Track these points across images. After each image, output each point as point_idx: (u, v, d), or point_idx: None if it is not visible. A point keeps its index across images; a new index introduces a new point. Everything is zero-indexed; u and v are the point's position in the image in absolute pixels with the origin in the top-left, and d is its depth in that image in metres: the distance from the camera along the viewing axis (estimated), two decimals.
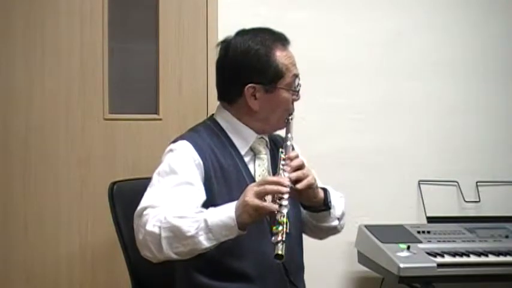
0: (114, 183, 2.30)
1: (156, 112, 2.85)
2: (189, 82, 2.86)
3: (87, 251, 2.76)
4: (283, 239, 1.75)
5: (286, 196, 1.81)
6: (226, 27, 2.79)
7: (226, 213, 1.81)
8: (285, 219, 1.77)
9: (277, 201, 1.80)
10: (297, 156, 1.96)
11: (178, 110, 2.84)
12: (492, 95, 3.18)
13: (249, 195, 1.79)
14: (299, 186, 1.91)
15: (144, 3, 2.87)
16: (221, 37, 2.79)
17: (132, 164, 2.78)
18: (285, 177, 1.89)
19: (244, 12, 2.85)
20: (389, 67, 3.07)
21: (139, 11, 2.87)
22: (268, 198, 1.83)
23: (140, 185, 2.09)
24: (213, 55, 2.80)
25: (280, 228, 1.76)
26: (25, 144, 2.72)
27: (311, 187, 1.96)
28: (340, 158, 2.98)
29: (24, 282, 2.71)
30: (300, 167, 1.94)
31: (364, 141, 3.03)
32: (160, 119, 2.84)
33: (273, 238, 1.76)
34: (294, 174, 1.91)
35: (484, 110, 3.17)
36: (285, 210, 1.79)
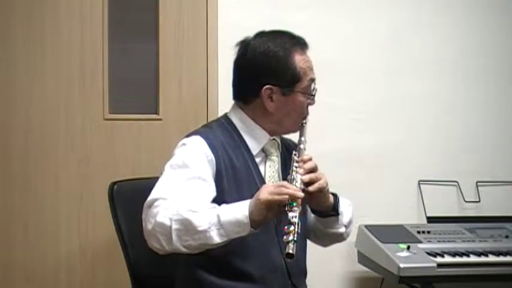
0: (114, 183, 2.29)
1: (156, 112, 2.85)
2: (189, 82, 2.86)
3: (87, 251, 2.76)
4: (295, 238, 1.75)
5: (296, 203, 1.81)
6: (226, 27, 2.81)
7: (239, 210, 1.82)
8: (296, 220, 1.77)
9: (289, 201, 1.80)
10: (310, 159, 1.96)
11: (178, 110, 2.84)
12: (492, 95, 3.18)
13: (263, 193, 1.80)
14: (311, 188, 1.91)
15: (144, 3, 2.87)
16: (221, 37, 2.83)
17: (132, 164, 2.78)
18: (297, 178, 1.89)
19: (244, 12, 2.86)
20: (389, 67, 3.07)
21: (139, 11, 2.87)
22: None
23: (140, 185, 2.09)
24: (213, 55, 2.85)
25: (292, 228, 1.76)
26: (25, 144, 2.72)
27: (322, 190, 1.96)
28: (340, 158, 2.97)
29: (24, 282, 2.71)
30: (313, 169, 1.95)
31: (364, 141, 3.03)
32: (160, 119, 2.84)
33: (285, 237, 1.76)
34: (307, 177, 1.91)
35: (484, 110, 3.17)
36: (297, 211, 1.79)
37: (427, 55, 3.11)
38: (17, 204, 2.71)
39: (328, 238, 2.18)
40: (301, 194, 1.82)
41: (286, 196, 1.79)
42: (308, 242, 2.21)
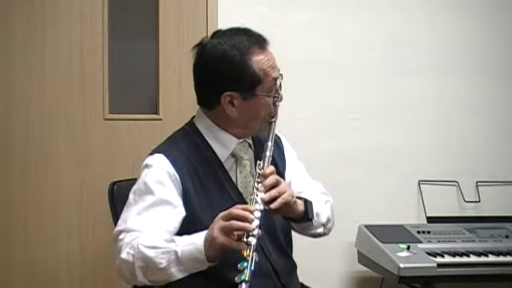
0: (114, 183, 2.29)
1: (156, 112, 2.85)
2: (189, 82, 2.81)
3: (87, 251, 2.76)
4: (246, 278, 1.68)
5: (253, 232, 1.75)
6: (226, 27, 2.81)
7: (195, 245, 1.78)
8: (251, 253, 1.71)
9: (245, 233, 1.74)
10: (271, 172, 1.88)
11: (178, 110, 2.84)
12: (492, 95, 3.18)
13: (216, 230, 1.74)
14: (273, 206, 1.84)
15: (144, 3, 2.87)
16: None
17: (132, 164, 2.77)
18: (258, 198, 1.82)
19: (244, 12, 2.85)
20: (389, 67, 3.07)
21: (139, 11, 2.87)
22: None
23: None
24: None
25: (246, 264, 1.69)
26: (25, 144, 2.72)
27: (287, 204, 1.89)
28: (340, 158, 2.98)
29: (24, 282, 2.71)
30: (274, 184, 1.86)
31: (364, 141, 3.03)
32: (160, 119, 2.84)
33: (236, 278, 1.69)
34: (267, 195, 1.84)
35: (484, 110, 3.17)
36: (253, 242, 1.73)
37: (427, 55, 3.11)
38: (17, 204, 2.71)
39: (309, 236, 2.12)
40: (252, 227, 1.74)
41: (240, 247, 1.72)
42: (306, 239, 2.19)
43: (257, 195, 1.83)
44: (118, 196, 2.25)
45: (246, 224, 1.74)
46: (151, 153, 2.01)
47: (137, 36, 2.87)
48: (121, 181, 2.33)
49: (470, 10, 3.15)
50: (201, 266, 1.79)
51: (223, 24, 2.82)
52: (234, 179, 2.02)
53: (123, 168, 2.76)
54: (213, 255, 1.77)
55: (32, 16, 2.72)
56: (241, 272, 1.70)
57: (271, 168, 1.90)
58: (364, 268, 2.87)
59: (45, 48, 2.73)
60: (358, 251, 2.89)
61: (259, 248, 1.90)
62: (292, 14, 2.91)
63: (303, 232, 2.10)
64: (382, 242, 2.71)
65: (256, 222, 1.76)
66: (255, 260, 1.71)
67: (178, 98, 2.85)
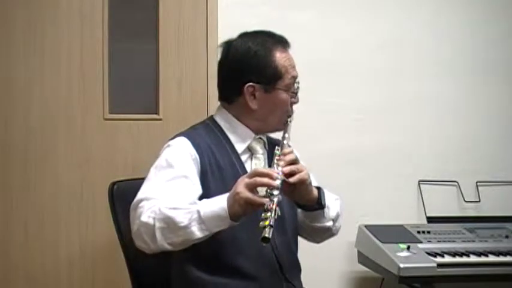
0: (114, 183, 2.30)
1: (156, 112, 2.85)
2: (189, 82, 2.86)
3: (87, 251, 2.76)
4: (271, 223, 1.75)
5: (275, 191, 1.81)
6: (226, 27, 2.81)
7: (218, 204, 1.84)
8: (274, 206, 1.78)
9: (268, 190, 1.82)
10: (291, 152, 1.98)
11: (178, 110, 2.84)
12: (492, 95, 3.18)
13: (240, 186, 1.82)
14: (292, 179, 1.92)
15: (144, 3, 2.87)
16: (221, 37, 2.82)
17: (132, 164, 2.78)
18: (277, 170, 1.89)
19: (244, 13, 2.86)
20: (389, 67, 3.07)
21: (139, 11, 2.87)
22: (262, 190, 1.84)
23: (140, 185, 2.08)
24: (213, 55, 2.85)
25: (269, 214, 1.76)
26: (25, 144, 2.72)
27: (304, 182, 1.96)
28: (340, 158, 2.98)
29: (24, 283, 2.71)
30: (294, 161, 1.95)
31: (365, 142, 3.03)
32: (160, 119, 2.84)
33: (261, 223, 1.76)
34: (287, 168, 1.92)
35: (484, 110, 3.17)
36: (275, 199, 1.79)
37: (428, 55, 3.11)
38: (17, 204, 2.71)
39: (317, 233, 2.17)
40: (276, 183, 1.82)
41: (263, 201, 1.79)
42: (304, 241, 2.21)
43: (277, 169, 1.90)
44: (118, 196, 2.25)
45: (270, 180, 1.82)
46: (172, 138, 2.09)
47: (137, 36, 2.86)
48: (121, 181, 2.33)
49: (471, 10, 3.15)
50: (223, 225, 1.84)
51: (224, 24, 2.84)
52: (248, 171, 2.07)
53: (123, 168, 2.76)
54: (236, 211, 1.81)
55: (32, 16, 2.72)
56: (265, 219, 1.75)
57: (290, 148, 2.00)
58: (364, 268, 2.87)
59: (45, 48, 2.73)
60: (358, 251, 2.89)
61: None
62: (292, 14, 2.91)
63: (312, 225, 2.13)
64: (382, 242, 2.71)
65: (279, 182, 1.83)
66: (277, 213, 1.77)
67: (178, 98, 2.85)
